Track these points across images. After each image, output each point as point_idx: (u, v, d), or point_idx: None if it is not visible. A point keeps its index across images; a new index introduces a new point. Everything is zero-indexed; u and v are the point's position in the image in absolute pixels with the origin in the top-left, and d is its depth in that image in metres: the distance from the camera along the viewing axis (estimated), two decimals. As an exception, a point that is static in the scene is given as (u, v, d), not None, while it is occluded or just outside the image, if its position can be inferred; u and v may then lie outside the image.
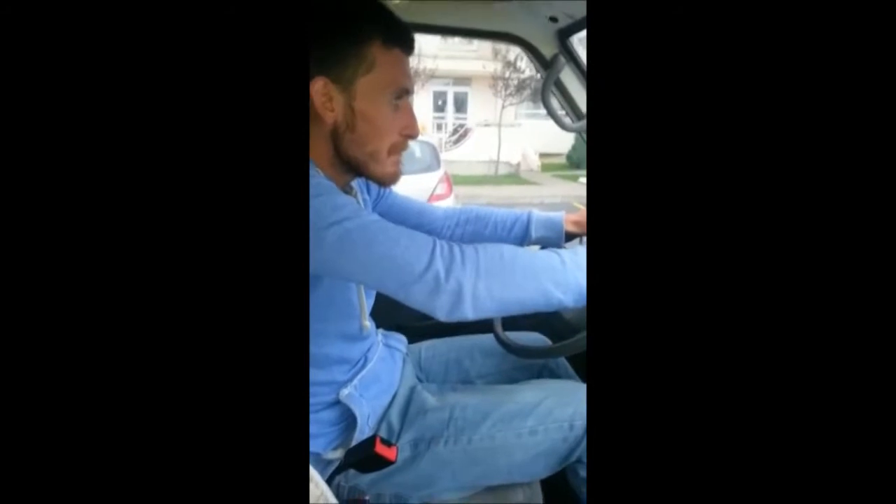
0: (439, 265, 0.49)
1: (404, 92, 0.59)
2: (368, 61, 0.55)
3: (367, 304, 0.67)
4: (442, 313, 0.50)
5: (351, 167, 0.60)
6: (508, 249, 0.54)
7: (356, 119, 0.57)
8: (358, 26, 0.55)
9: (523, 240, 0.83)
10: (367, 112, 0.57)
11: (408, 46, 0.59)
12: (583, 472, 0.68)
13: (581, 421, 0.65)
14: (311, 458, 0.63)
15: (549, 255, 0.55)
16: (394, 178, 0.63)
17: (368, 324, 0.66)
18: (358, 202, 0.68)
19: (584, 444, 0.66)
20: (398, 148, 0.61)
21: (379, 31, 0.55)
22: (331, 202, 0.50)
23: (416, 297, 0.50)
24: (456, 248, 0.51)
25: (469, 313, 0.51)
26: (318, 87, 0.54)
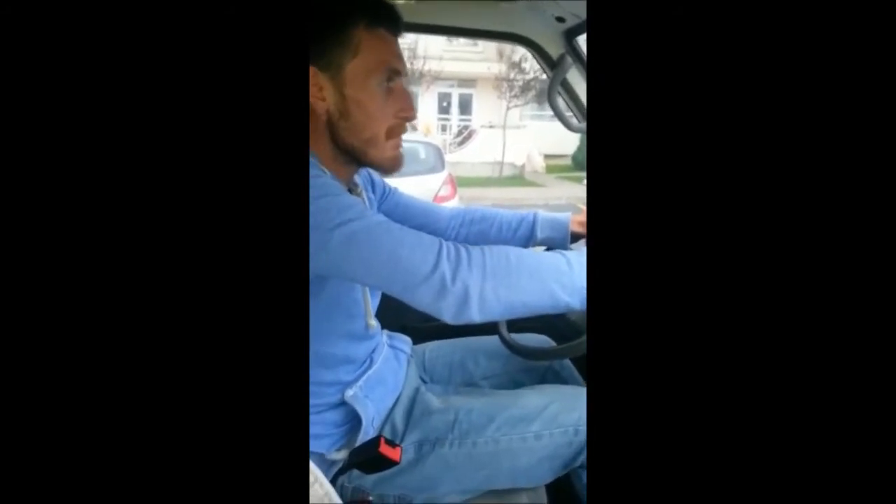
0: (445, 267, 0.49)
1: (395, 73, 0.58)
2: (354, 45, 0.54)
3: (373, 302, 0.66)
4: (448, 315, 0.50)
5: (351, 157, 0.60)
6: (515, 252, 0.53)
7: (349, 106, 0.56)
8: (340, 10, 0.54)
9: (529, 240, 0.83)
10: (359, 97, 0.56)
11: (393, 26, 0.58)
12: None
13: (586, 426, 0.65)
14: (316, 459, 0.63)
15: (555, 257, 0.54)
16: (395, 163, 0.62)
17: (374, 322, 0.66)
18: (363, 201, 0.67)
19: (589, 448, 0.65)
20: (396, 131, 0.60)
21: (362, 13, 0.55)
22: (337, 202, 0.50)
23: (422, 299, 0.50)
24: (462, 250, 0.51)
25: (475, 316, 0.50)
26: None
